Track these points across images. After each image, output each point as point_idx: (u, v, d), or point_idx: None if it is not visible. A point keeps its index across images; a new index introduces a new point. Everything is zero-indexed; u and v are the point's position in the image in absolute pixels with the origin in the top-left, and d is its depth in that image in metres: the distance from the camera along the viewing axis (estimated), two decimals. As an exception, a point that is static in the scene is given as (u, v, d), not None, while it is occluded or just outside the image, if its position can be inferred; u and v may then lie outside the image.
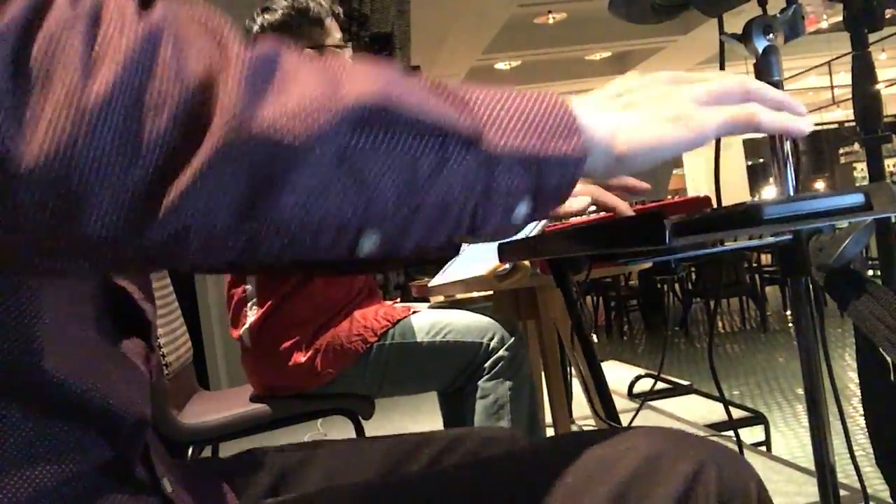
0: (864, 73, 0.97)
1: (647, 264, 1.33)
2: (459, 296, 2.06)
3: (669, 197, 1.13)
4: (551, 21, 7.86)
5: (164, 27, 0.36)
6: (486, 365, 1.64)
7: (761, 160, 14.82)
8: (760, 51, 0.84)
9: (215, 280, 3.80)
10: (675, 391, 3.61)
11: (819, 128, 13.74)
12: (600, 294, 7.49)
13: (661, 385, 3.59)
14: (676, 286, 6.98)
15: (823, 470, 0.90)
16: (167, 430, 1.54)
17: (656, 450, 0.51)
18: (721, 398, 1.06)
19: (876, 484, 1.13)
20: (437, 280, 1.84)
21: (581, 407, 2.45)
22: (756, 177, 14.61)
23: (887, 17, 0.96)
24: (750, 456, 2.47)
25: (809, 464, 1.58)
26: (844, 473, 1.19)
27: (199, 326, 3.98)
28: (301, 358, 1.64)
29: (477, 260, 1.64)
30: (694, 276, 6.89)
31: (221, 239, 0.37)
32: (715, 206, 0.90)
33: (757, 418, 2.83)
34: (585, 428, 2.46)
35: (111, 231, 0.34)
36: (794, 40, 0.86)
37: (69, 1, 0.34)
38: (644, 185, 0.85)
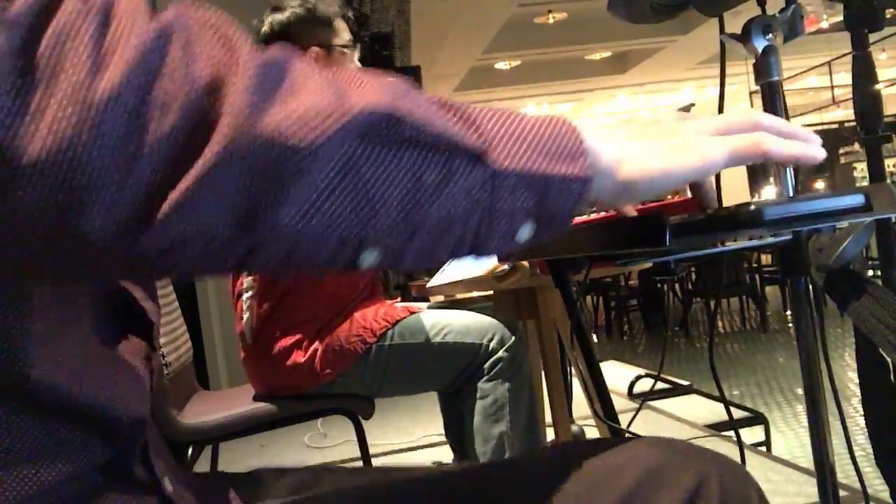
0: (864, 73, 0.97)
1: (647, 264, 1.33)
2: (459, 296, 2.06)
3: (669, 197, 1.12)
4: (551, 21, 7.85)
5: (175, 28, 0.36)
6: (486, 366, 1.64)
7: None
8: (760, 51, 0.84)
9: (215, 280, 3.80)
10: (675, 391, 3.61)
11: (819, 128, 13.73)
12: (600, 294, 7.49)
13: (661, 385, 3.59)
14: (676, 286, 6.98)
15: (823, 470, 0.90)
16: (167, 429, 1.54)
17: (658, 461, 0.51)
18: (721, 398, 1.06)
19: (876, 484, 1.13)
20: (437, 280, 1.84)
21: (581, 407, 2.44)
22: (756, 177, 14.60)
23: (887, 17, 0.96)
24: (750, 456, 2.47)
25: (809, 464, 1.58)
26: (844, 473, 1.19)
27: (199, 326, 3.98)
28: (300, 358, 1.64)
29: (476, 260, 1.64)
30: (694, 276, 6.89)
31: (221, 246, 0.36)
32: (716, 206, 0.90)
33: (757, 418, 2.84)
34: (585, 428, 2.46)
35: (111, 231, 0.34)
36: (794, 40, 0.86)
37: None
38: None
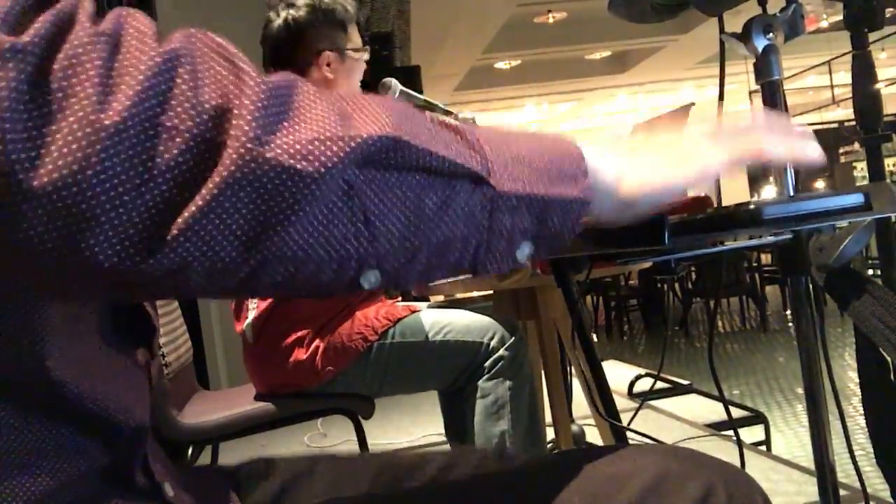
0: (864, 73, 0.97)
1: (647, 264, 1.33)
2: (459, 295, 2.06)
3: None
4: (551, 21, 7.85)
5: (182, 54, 0.36)
6: (487, 364, 1.64)
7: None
8: (760, 50, 0.84)
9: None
10: (675, 391, 3.61)
11: (819, 127, 13.73)
12: (600, 294, 7.49)
13: (660, 385, 3.59)
14: (676, 286, 6.98)
15: (823, 469, 0.90)
16: (167, 430, 1.54)
17: (664, 469, 0.51)
18: (721, 398, 1.06)
19: (876, 484, 1.13)
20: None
21: (581, 407, 2.44)
22: (756, 176, 14.60)
23: (887, 16, 0.96)
24: (750, 455, 2.47)
25: (809, 463, 1.58)
26: (844, 473, 1.19)
27: (199, 326, 3.97)
28: (302, 355, 1.64)
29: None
30: (694, 276, 6.89)
31: (225, 268, 0.37)
32: (715, 205, 0.90)
33: (757, 418, 2.84)
34: (585, 427, 2.46)
35: (118, 256, 0.34)
36: (794, 39, 0.86)
37: (90, 20, 0.35)
38: None
